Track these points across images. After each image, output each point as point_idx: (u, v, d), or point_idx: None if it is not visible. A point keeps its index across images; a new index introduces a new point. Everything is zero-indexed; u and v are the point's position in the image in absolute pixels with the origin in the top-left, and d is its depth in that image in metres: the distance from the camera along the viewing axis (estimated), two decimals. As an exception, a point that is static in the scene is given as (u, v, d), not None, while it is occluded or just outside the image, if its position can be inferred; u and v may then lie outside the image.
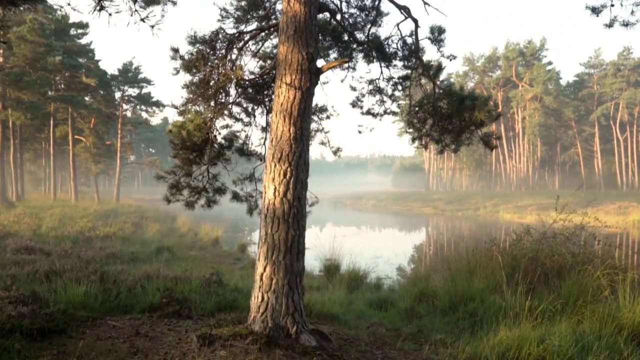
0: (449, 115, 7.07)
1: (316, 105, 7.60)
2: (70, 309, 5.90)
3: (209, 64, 5.77)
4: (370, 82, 7.78)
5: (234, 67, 5.86)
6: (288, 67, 5.16)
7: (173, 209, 22.09)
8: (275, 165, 5.07)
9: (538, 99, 68.95)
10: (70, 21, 36.79)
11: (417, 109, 7.40)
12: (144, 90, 45.42)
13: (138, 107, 48.66)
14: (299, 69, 5.13)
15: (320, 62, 5.44)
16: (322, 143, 7.44)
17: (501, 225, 38.24)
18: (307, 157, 5.19)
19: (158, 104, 46.48)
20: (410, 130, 7.77)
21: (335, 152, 7.47)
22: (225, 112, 6.92)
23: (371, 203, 70.30)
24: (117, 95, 44.49)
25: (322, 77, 5.53)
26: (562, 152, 76.12)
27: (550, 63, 71.30)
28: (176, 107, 6.09)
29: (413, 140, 7.95)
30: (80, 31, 38.25)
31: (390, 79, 7.61)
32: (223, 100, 6.76)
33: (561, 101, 68.14)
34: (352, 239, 25.14)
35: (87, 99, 40.71)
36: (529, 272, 8.56)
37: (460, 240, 26.30)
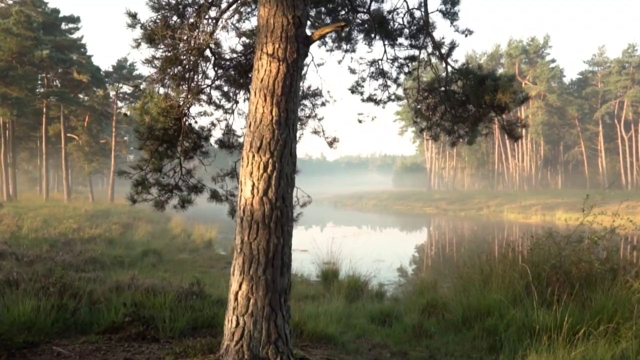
0: (464, 101, 6.05)
1: (308, 87, 6.59)
2: (10, 332, 4.88)
3: (177, 35, 4.77)
4: (372, 63, 6.75)
5: (206, 40, 4.85)
6: (270, 34, 4.14)
7: (169, 209, 21.08)
8: (253, 156, 4.05)
9: (541, 97, 67.86)
10: (61, 15, 35.74)
11: (426, 94, 6.38)
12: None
13: (133, 104, 47.57)
14: (284, 37, 4.11)
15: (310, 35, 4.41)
16: (315, 132, 6.42)
17: (507, 225, 37.21)
18: (293, 146, 4.17)
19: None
20: (418, 119, 6.75)
21: (331, 144, 6.46)
22: (203, 96, 5.90)
23: (372, 203, 69.27)
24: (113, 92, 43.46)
25: (317, 58, 4.56)
26: (565, 151, 75.04)
27: (553, 60, 70.24)
28: (136, 87, 5.09)
29: (421, 131, 6.93)
30: (71, 25, 37.15)
31: (395, 59, 6.59)
32: (200, 83, 5.73)
33: (565, 99, 67.10)
34: (352, 241, 24.11)
35: (80, 96, 39.67)
36: (552, 281, 7.55)
37: (467, 242, 25.25)
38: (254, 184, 4.01)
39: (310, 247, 14.39)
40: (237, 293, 4.01)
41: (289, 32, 4.12)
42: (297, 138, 6.69)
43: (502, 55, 73.61)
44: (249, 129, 4.14)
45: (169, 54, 4.83)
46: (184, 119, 5.67)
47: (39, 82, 35.40)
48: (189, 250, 17.04)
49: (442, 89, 6.15)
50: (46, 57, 29.67)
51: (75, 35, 37.91)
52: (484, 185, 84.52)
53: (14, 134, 39.99)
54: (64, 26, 36.96)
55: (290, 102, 4.13)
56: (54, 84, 37.83)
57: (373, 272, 11.50)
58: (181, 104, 5.12)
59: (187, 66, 5.26)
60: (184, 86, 5.41)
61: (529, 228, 33.94)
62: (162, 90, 5.09)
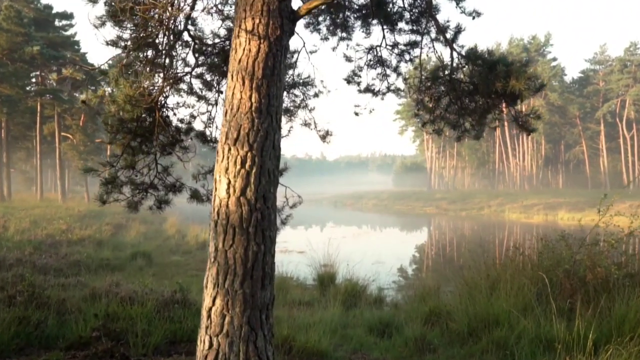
0: (471, 91, 5.47)
1: (299, 74, 5.99)
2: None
3: (147, 13, 4.19)
4: (370, 50, 6.16)
5: (182, 23, 4.27)
6: (249, 7, 3.56)
7: (166, 209, 20.47)
8: (229, 149, 3.47)
9: (542, 96, 67.22)
10: (54, 11, 35.07)
11: (429, 83, 5.79)
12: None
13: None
14: (265, 10, 3.53)
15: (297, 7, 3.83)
16: (306, 124, 5.84)
17: (510, 225, 36.64)
18: (277, 138, 3.59)
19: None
20: (420, 112, 6.16)
21: (323, 137, 5.88)
22: (183, 86, 5.32)
23: (372, 203, 68.67)
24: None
25: (309, 45, 3.96)
26: (566, 151, 74.46)
27: (554, 59, 69.67)
28: (97, 69, 4.51)
29: (423, 125, 6.35)
30: (65, 22, 36.46)
31: (394, 45, 6.00)
32: (178, 70, 5.15)
33: (566, 98, 66.49)
34: (352, 242, 23.54)
35: (76, 95, 39.02)
36: (565, 288, 6.98)
37: (469, 244, 24.65)
38: (229, 182, 3.43)
39: (307, 249, 13.80)
40: (210, 309, 3.43)
41: (271, 5, 3.54)
42: (287, 131, 6.16)
43: (503, 54, 72.93)
44: (225, 118, 3.56)
45: (139, 35, 4.26)
46: (162, 111, 5.09)
47: (33, 80, 34.78)
48: (182, 252, 16.46)
49: (447, 77, 5.56)
50: (37, 53, 28.97)
51: (69, 32, 37.30)
52: (485, 185, 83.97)
53: (9, 133, 39.38)
54: (57, 23, 36.30)
55: (273, 86, 3.55)
56: (49, 82, 37.20)
57: (372, 275, 10.91)
58: (155, 92, 4.55)
59: (161, 50, 4.69)
60: (159, 74, 4.83)
61: (533, 228, 33.44)
62: (131, 76, 4.50)
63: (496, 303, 6.67)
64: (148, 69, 4.58)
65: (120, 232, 20.01)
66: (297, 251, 18.69)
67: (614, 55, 68.55)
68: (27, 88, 36.42)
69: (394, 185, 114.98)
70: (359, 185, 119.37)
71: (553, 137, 72.31)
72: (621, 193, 9.26)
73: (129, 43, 4.36)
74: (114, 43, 4.39)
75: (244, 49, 3.54)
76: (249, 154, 3.43)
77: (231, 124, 3.50)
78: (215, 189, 3.51)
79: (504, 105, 5.46)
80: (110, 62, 4.49)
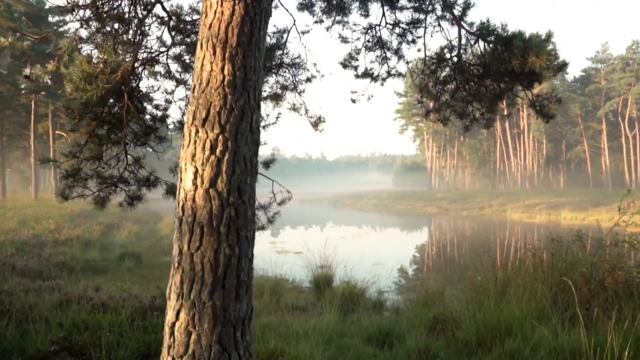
0: (481, 74, 4.87)
1: (287, 53, 5.37)
2: None
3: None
4: (368, 30, 5.55)
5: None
6: (222, -38, 2.96)
7: (165, 207, 19.88)
8: (196, 131, 2.88)
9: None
10: (47, 6, 34.47)
11: (434, 66, 5.19)
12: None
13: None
14: (241, -35, 2.93)
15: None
16: (294, 108, 5.22)
17: (513, 225, 36.02)
18: (255, 118, 3.00)
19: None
20: (424, 99, 5.56)
21: (316, 124, 5.29)
22: (159, 68, 4.73)
23: (372, 202, 68.03)
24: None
25: (299, 24, 3.35)
26: (567, 150, 73.84)
27: (556, 57, 68.93)
28: (41, 38, 3.89)
29: (427, 114, 5.75)
30: (60, 18, 35.86)
31: (395, 24, 5.40)
32: (152, 50, 4.56)
33: (567, 97, 65.79)
34: (351, 242, 22.93)
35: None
36: (583, 293, 6.38)
37: (473, 244, 24.05)
38: (197, 171, 2.84)
39: (305, 249, 13.21)
40: (173, 325, 2.84)
41: (248, -42, 2.94)
42: (275, 118, 5.56)
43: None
44: (193, 95, 2.97)
45: (99, 2, 3.67)
46: (133, 95, 4.49)
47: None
48: (174, 253, 15.84)
49: (455, 58, 4.96)
50: (27, 48, 28.22)
51: (64, 28, 36.60)
52: (485, 184, 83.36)
53: (3, 131, 38.78)
54: (50, 18, 35.68)
55: (250, 57, 2.95)
56: (44, 79, 36.59)
57: (371, 278, 10.33)
58: (121, 71, 3.95)
59: (130, 24, 4.10)
60: (128, 51, 4.24)
61: (537, 228, 32.83)
62: (92, 51, 3.91)
63: (507, 309, 6.09)
64: (110, 43, 3.98)
65: (112, 232, 19.42)
66: (293, 252, 18.10)
67: (616, 54, 67.99)
68: (22, 86, 35.85)
69: (394, 185, 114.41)
70: (359, 185, 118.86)
71: (554, 136, 71.71)
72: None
73: (87, 11, 3.78)
74: (67, 10, 3.79)
75: (215, 12, 2.95)
76: (220, 137, 2.84)
77: (199, 102, 2.90)
78: (181, 179, 2.92)
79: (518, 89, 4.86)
80: (65, 31, 3.89)
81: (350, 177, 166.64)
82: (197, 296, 2.78)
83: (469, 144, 78.46)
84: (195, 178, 2.84)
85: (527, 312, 5.92)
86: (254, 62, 2.98)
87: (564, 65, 4.16)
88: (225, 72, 2.88)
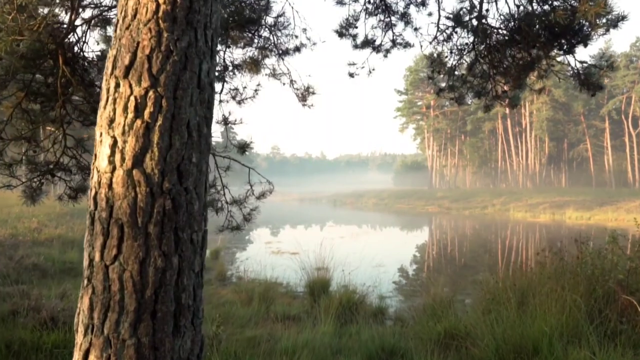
0: (507, 41, 3.96)
1: (270, 8, 4.38)
2: None
3: None
4: (369, -11, 4.62)
5: None
6: None
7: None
8: (116, 85, 1.96)
9: (546, 92, 65.66)
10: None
11: (448, 31, 4.27)
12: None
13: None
14: None
15: None
16: (273, 74, 4.27)
17: (517, 225, 35.11)
18: (205, 69, 2.07)
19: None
20: (435, 73, 4.65)
21: (303, 97, 4.36)
22: (109, 28, 3.80)
23: (372, 201, 67.13)
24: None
25: None
26: (570, 149, 72.90)
27: (558, 55, 68.05)
28: None
29: (439, 92, 4.83)
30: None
31: (402, -19, 4.48)
32: (100, 5, 3.63)
33: (570, 95, 64.89)
34: (350, 242, 21.99)
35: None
36: (619, 303, 5.48)
37: (480, 246, 23.12)
38: (115, 143, 1.92)
39: (302, 250, 12.28)
40: (80, 372, 1.91)
41: None
42: (253, 92, 4.63)
43: None
44: (114, 35, 2.04)
45: None
46: (77, 62, 3.57)
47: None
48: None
49: (474, 21, 4.04)
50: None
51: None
52: (486, 184, 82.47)
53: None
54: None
55: (199, -22, 2.03)
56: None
57: (372, 281, 9.44)
58: (48, 24, 3.05)
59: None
60: (66, 2, 3.33)
61: (543, 228, 31.89)
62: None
63: (532, 323, 5.18)
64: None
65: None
66: (290, 252, 17.18)
67: (619, 51, 67.05)
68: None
69: (394, 184, 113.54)
70: (359, 184, 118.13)
71: (557, 134, 70.79)
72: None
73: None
74: None
75: None
76: (150, 92, 1.91)
77: (122, 42, 1.98)
78: (95, 156, 1.99)
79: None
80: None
81: (350, 176, 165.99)
82: (113, 330, 1.86)
83: (470, 143, 77.53)
84: (112, 154, 1.91)
85: (556, 326, 5.02)
86: (204, -13, 2.06)
87: (622, 18, 3.23)
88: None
